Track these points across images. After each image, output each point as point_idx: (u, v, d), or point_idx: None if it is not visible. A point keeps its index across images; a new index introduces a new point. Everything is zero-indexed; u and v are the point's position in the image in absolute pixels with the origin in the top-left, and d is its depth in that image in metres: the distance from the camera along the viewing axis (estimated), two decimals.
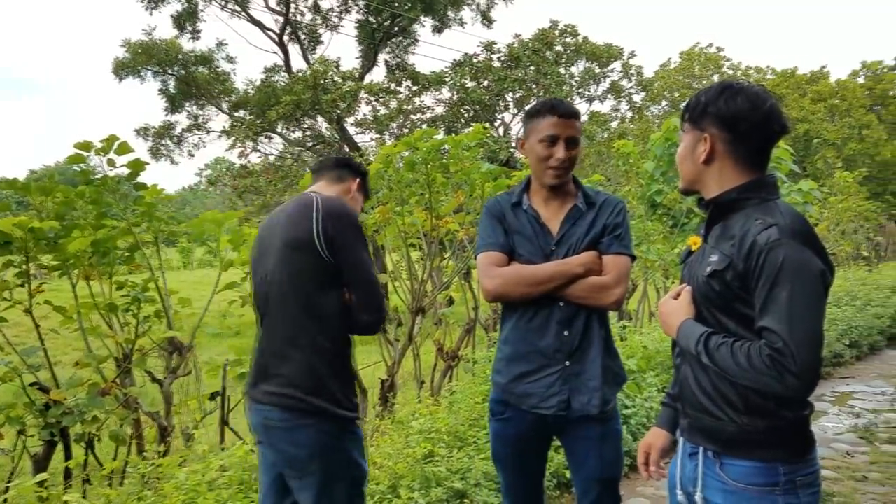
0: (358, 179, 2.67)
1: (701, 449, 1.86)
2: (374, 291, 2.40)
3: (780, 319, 1.63)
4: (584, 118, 24.29)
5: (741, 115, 1.79)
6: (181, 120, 24.91)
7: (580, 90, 24.51)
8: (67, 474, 3.66)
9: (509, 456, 2.61)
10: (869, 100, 31.08)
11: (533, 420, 2.50)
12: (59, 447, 3.68)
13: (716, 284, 1.77)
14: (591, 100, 25.18)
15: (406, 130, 20.54)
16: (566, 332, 2.45)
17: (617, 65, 24.84)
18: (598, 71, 24.60)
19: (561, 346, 2.45)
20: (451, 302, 6.09)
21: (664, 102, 35.32)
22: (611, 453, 2.52)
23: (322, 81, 19.57)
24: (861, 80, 32.73)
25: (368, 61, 23.86)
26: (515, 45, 22.12)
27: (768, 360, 1.63)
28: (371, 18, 23.47)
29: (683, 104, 1.96)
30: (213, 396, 4.36)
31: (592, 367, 2.45)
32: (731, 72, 36.70)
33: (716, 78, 36.04)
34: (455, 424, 4.40)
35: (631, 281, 7.92)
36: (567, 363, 2.45)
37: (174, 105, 24.26)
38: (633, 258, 2.57)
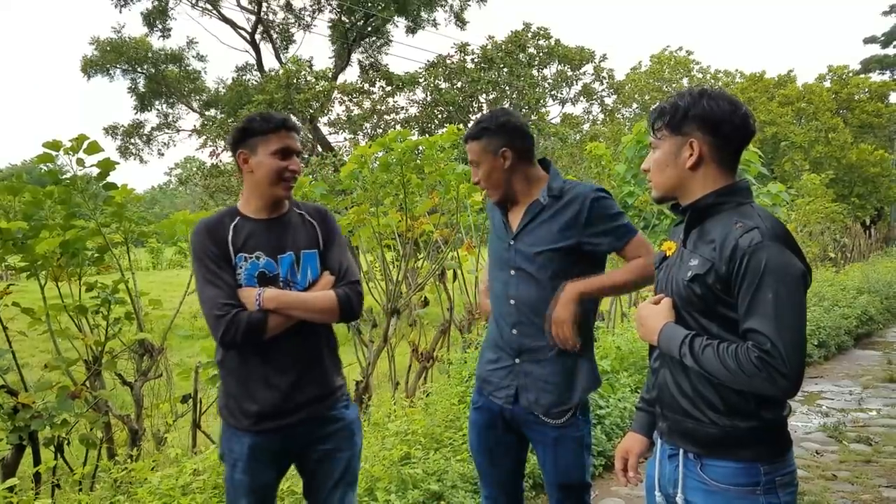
0: (239, 151, 2.33)
1: (681, 451, 1.87)
2: (205, 313, 2.28)
3: (767, 321, 1.64)
4: (556, 120, 24.52)
5: (725, 118, 1.79)
6: (151, 118, 24.71)
7: (553, 92, 24.67)
8: (37, 479, 3.59)
9: (478, 444, 2.68)
10: (835, 103, 31.49)
11: (497, 411, 2.56)
12: (28, 451, 3.60)
13: (697, 288, 1.78)
14: (563, 102, 25.38)
15: (380, 131, 20.50)
16: (514, 331, 2.50)
17: (589, 67, 25.07)
18: (570, 73, 24.79)
19: (510, 342, 2.51)
20: (425, 303, 6.07)
21: (635, 105, 35.58)
22: (567, 459, 2.47)
23: (295, 81, 19.47)
24: (827, 84, 33.14)
25: (342, 61, 23.78)
26: (489, 47, 22.17)
27: (758, 362, 1.64)
28: (344, 18, 23.40)
29: (655, 111, 1.91)
30: (184, 399, 4.30)
31: (544, 370, 2.44)
32: (700, 75, 37.07)
33: (685, 81, 36.39)
34: (431, 426, 4.39)
35: None
36: (516, 360, 2.49)
37: (144, 103, 24.02)
38: (634, 232, 2.44)
